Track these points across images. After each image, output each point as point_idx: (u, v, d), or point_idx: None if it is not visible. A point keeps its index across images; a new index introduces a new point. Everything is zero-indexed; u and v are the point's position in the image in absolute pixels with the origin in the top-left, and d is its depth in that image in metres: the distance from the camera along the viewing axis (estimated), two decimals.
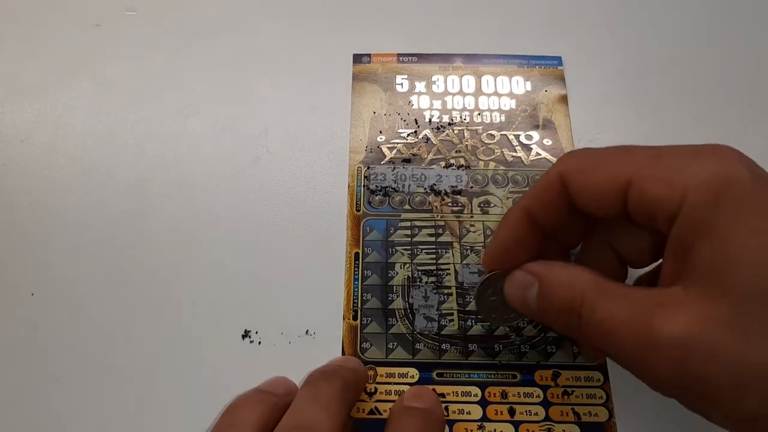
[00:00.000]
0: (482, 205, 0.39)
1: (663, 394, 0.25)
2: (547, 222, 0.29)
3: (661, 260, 0.27)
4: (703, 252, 0.23)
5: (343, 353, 0.35)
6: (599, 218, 0.29)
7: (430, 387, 0.33)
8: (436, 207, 0.38)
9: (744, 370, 0.21)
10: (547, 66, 0.44)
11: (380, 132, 0.41)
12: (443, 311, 0.35)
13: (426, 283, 0.36)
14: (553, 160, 0.40)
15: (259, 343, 0.35)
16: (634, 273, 0.32)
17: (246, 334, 0.35)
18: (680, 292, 0.23)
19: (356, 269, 0.37)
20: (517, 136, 0.41)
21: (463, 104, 0.42)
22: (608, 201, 0.26)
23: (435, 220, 0.38)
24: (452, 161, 0.40)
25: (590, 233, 0.31)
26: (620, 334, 0.24)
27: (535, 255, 0.30)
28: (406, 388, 0.33)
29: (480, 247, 0.37)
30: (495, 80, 0.43)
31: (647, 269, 0.31)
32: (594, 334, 0.26)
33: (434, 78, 0.43)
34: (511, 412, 0.33)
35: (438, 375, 0.34)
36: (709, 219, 0.23)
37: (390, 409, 0.33)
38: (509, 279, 0.30)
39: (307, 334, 0.35)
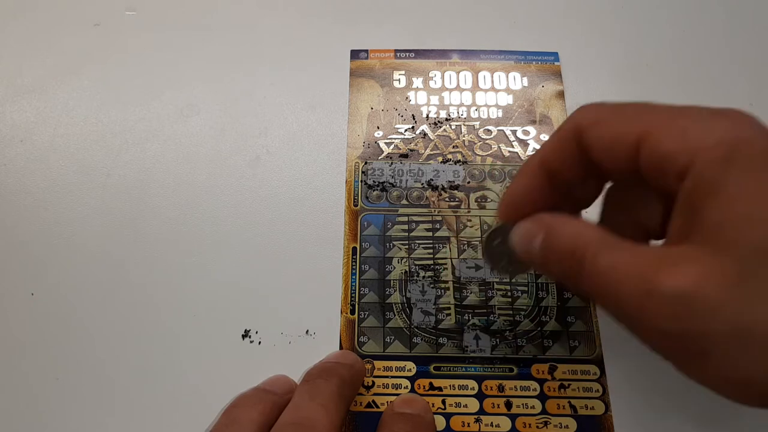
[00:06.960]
0: (479, 200, 0.39)
1: (655, 350, 0.24)
2: (561, 174, 0.29)
3: None
4: (712, 210, 0.23)
5: (341, 347, 0.35)
6: (613, 177, 0.29)
7: (427, 381, 0.34)
8: (434, 202, 0.38)
9: (744, 329, 0.21)
10: (543, 62, 0.44)
11: (378, 127, 0.41)
12: (440, 305, 0.35)
13: (423, 277, 0.36)
14: None
15: (259, 343, 0.35)
16: None
17: (246, 334, 0.35)
18: (687, 249, 0.23)
19: (354, 264, 0.37)
20: (514, 132, 0.41)
21: (461, 100, 0.42)
22: (621, 153, 0.26)
23: (432, 215, 0.38)
24: (449, 156, 0.40)
25: (607, 200, 0.31)
26: (621, 284, 0.24)
27: (547, 208, 0.29)
28: (403, 381, 0.34)
29: (477, 243, 0.37)
30: (492, 76, 0.43)
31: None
32: (594, 283, 0.25)
33: (431, 74, 0.43)
34: (508, 405, 0.33)
35: (435, 369, 0.34)
36: (719, 177, 0.23)
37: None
38: (517, 227, 0.29)
39: (307, 334, 0.35)
